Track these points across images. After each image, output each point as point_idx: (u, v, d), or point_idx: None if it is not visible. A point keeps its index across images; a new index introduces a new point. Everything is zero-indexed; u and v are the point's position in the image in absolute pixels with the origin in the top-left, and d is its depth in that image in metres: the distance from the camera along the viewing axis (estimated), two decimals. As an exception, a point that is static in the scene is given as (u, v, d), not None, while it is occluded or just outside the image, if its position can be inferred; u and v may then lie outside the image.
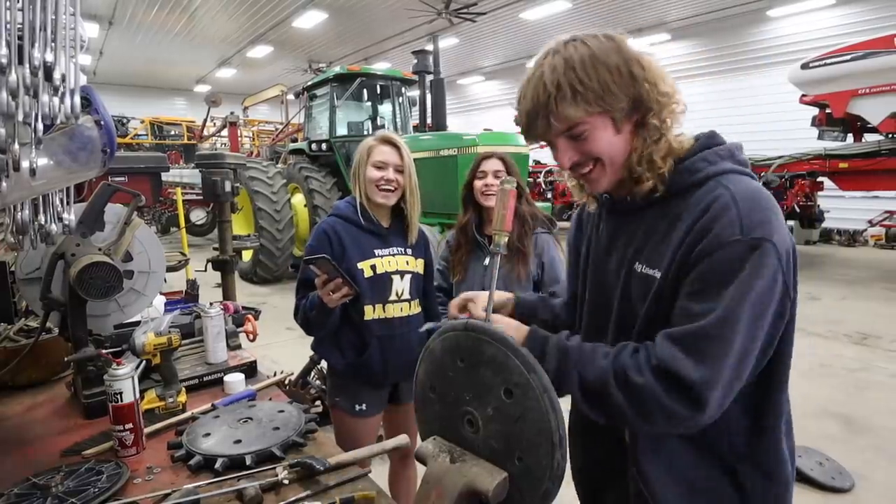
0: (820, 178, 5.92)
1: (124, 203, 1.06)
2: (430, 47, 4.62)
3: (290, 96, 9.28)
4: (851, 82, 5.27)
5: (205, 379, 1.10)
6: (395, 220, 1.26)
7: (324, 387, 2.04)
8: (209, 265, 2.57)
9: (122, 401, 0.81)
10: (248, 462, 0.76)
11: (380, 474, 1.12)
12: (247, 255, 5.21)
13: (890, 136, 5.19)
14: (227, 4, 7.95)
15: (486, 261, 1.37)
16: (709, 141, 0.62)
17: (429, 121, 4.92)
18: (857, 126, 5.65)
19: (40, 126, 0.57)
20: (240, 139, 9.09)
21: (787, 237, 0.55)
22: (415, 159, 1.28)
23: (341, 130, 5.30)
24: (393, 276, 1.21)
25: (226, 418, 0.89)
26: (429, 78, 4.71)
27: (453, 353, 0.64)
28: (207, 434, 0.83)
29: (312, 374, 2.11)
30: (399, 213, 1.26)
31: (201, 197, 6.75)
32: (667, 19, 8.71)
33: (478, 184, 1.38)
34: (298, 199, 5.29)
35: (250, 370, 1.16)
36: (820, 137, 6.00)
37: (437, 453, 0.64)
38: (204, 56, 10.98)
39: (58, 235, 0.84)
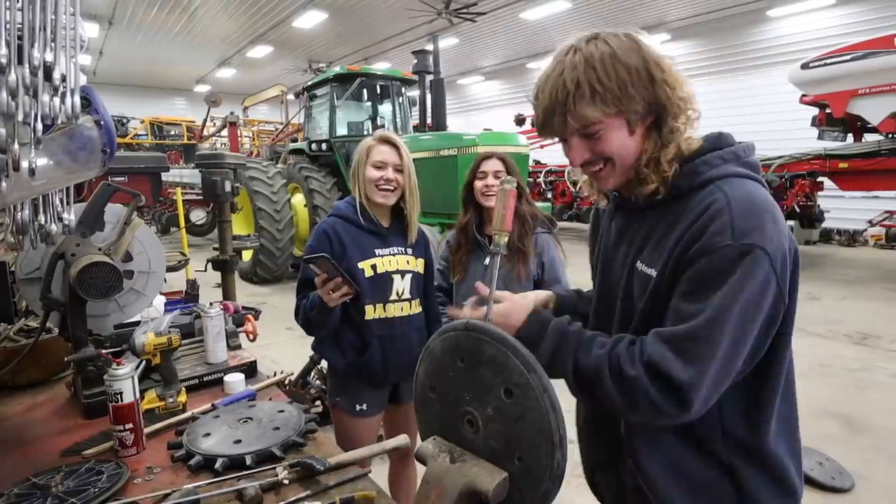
0: (820, 178, 5.92)
1: (124, 203, 1.06)
2: (430, 47, 4.62)
3: (290, 96, 9.29)
4: (851, 82, 5.27)
5: (205, 379, 1.10)
6: (395, 219, 1.26)
7: (324, 387, 2.04)
8: (209, 265, 2.57)
9: (122, 401, 0.81)
10: (248, 462, 0.76)
11: (380, 474, 1.12)
12: (247, 255, 5.21)
13: (890, 136, 5.19)
14: (227, 4, 7.95)
15: (487, 260, 1.37)
16: (716, 143, 0.62)
17: (429, 121, 4.92)
18: (857, 126, 5.65)
19: (40, 126, 0.57)
20: (240, 139, 9.09)
21: (784, 242, 0.55)
22: (415, 159, 1.28)
23: (341, 130, 5.30)
24: (393, 276, 1.21)
25: (226, 418, 0.89)
26: (429, 78, 4.71)
27: (453, 353, 0.64)
28: (207, 434, 0.83)
29: (312, 374, 2.11)
30: (399, 212, 1.26)
31: (201, 197, 6.75)
32: (667, 19, 8.71)
33: (478, 184, 1.38)
34: (298, 199, 5.29)
35: (250, 370, 1.16)
36: (820, 137, 6.00)
37: (437, 453, 0.64)
38: (204, 56, 10.98)
39: (58, 235, 0.84)
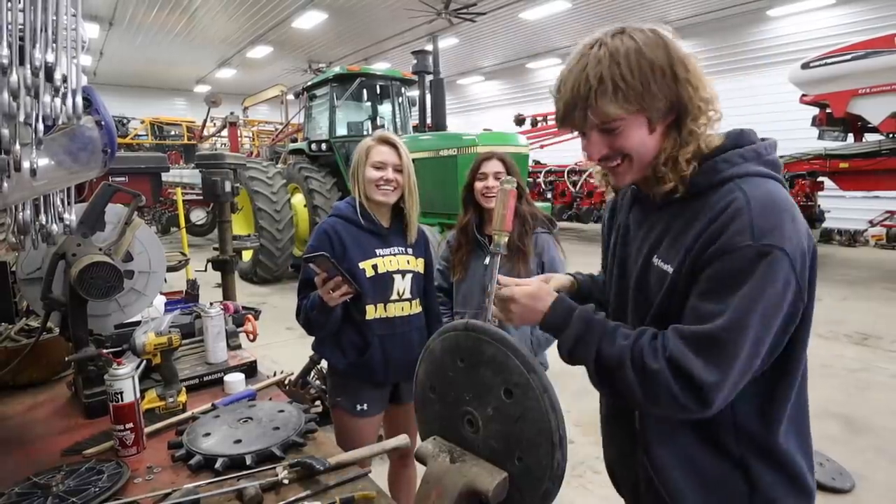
0: (820, 178, 5.92)
1: (125, 203, 1.07)
2: (429, 47, 4.62)
3: (290, 96, 9.29)
4: (852, 82, 5.26)
5: (205, 379, 1.10)
6: (395, 219, 1.27)
7: (323, 387, 2.04)
8: (209, 265, 2.57)
9: (122, 400, 0.81)
10: (248, 462, 0.76)
11: (380, 474, 1.12)
12: (247, 255, 5.21)
13: (890, 135, 5.19)
14: (227, 5, 7.96)
15: (487, 260, 1.37)
16: (737, 140, 0.61)
17: (428, 121, 4.92)
18: (857, 126, 5.65)
19: (41, 126, 0.57)
20: (240, 139, 9.10)
21: (803, 241, 0.55)
22: (414, 159, 1.28)
23: (341, 130, 5.30)
24: (394, 276, 1.22)
25: (226, 418, 0.89)
26: (428, 78, 4.71)
27: (453, 353, 0.64)
28: (207, 434, 0.83)
29: (312, 374, 2.11)
30: (398, 212, 1.26)
31: (201, 197, 6.75)
32: (667, 19, 8.68)
33: (478, 185, 1.38)
34: (298, 200, 5.29)
35: (250, 370, 1.16)
36: (820, 137, 6.00)
37: (437, 453, 0.64)
38: (204, 56, 10.98)
39: (59, 235, 0.84)
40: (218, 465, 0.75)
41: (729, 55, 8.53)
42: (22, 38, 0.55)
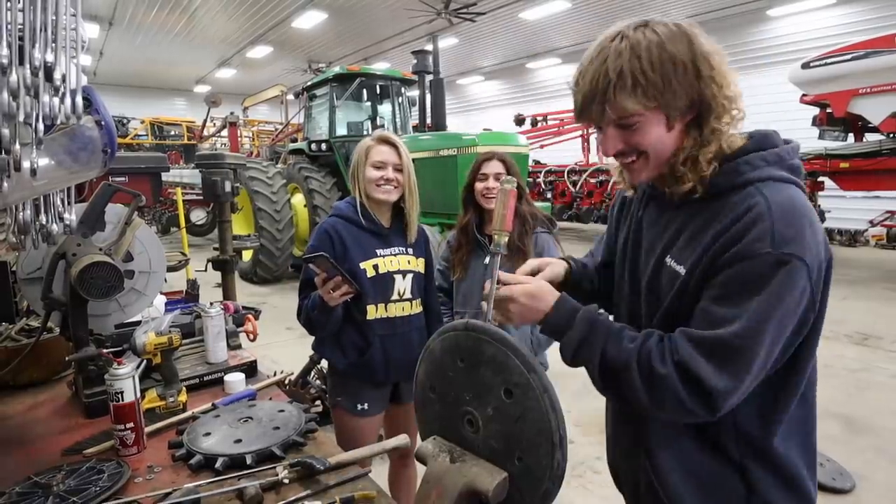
0: (821, 178, 5.91)
1: (125, 203, 1.07)
2: (429, 47, 4.62)
3: (290, 96, 9.29)
4: (852, 82, 5.26)
5: (205, 378, 1.10)
6: (395, 219, 1.27)
7: (323, 387, 2.04)
8: (209, 265, 2.57)
9: (122, 400, 0.81)
10: (248, 461, 0.76)
11: (380, 474, 1.12)
12: (247, 255, 5.21)
13: (891, 135, 5.19)
14: (227, 5, 7.96)
15: (487, 260, 1.37)
16: (761, 142, 0.59)
17: (428, 121, 4.92)
18: (857, 126, 5.65)
19: (41, 126, 0.57)
20: (240, 139, 9.10)
21: (821, 250, 0.54)
22: (414, 159, 1.28)
23: (341, 130, 5.30)
24: (395, 276, 1.22)
25: (226, 418, 0.89)
26: (428, 78, 4.71)
27: (453, 353, 0.64)
28: (208, 433, 0.83)
29: (312, 373, 2.11)
30: (399, 212, 1.26)
31: (201, 197, 6.75)
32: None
33: (478, 186, 1.38)
34: (298, 199, 5.29)
35: (250, 370, 1.16)
36: (821, 137, 5.99)
37: (438, 453, 0.64)
38: (204, 56, 10.98)
39: (59, 235, 0.84)
40: (218, 464, 0.75)
41: (729, 55, 8.19)
42: (21, 38, 0.55)
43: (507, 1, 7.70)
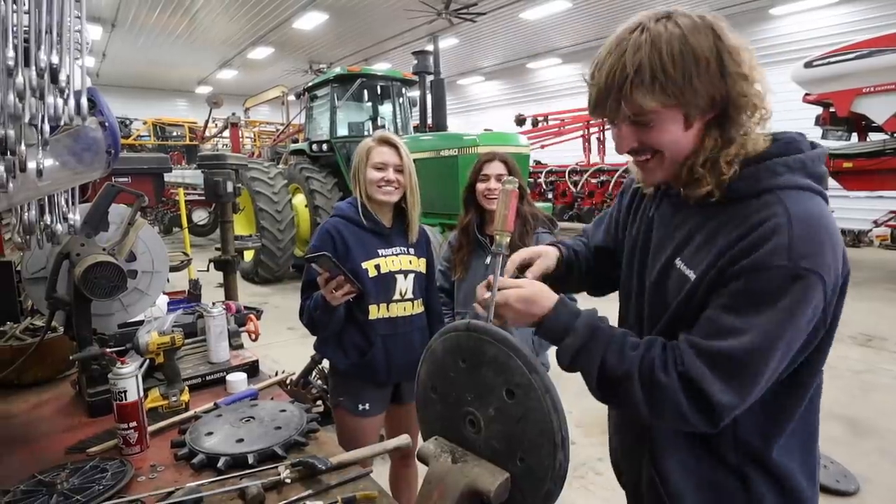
0: (823, 178, 5.87)
1: (128, 203, 1.07)
2: (430, 48, 4.62)
3: (291, 97, 9.31)
4: (856, 81, 5.23)
5: (207, 378, 1.10)
6: (397, 219, 1.27)
7: (325, 387, 2.04)
8: (211, 265, 2.58)
9: (126, 399, 0.81)
10: (250, 461, 0.76)
11: (381, 474, 1.13)
12: (248, 256, 5.23)
13: (895, 135, 5.16)
14: (228, 6, 7.98)
15: (488, 260, 1.37)
16: (785, 147, 0.56)
17: (429, 121, 4.92)
18: (861, 125, 5.62)
19: (46, 127, 0.58)
20: (241, 140, 9.12)
21: (839, 266, 0.52)
22: (415, 160, 1.28)
23: (342, 131, 5.31)
24: (397, 276, 1.22)
25: (228, 417, 0.89)
26: (429, 78, 4.71)
27: (455, 354, 0.64)
28: (210, 433, 0.84)
29: (314, 373, 2.12)
30: (400, 212, 1.26)
31: (203, 197, 6.79)
32: (669, 19, 8.65)
33: (480, 187, 1.39)
34: (299, 200, 5.30)
35: (252, 370, 1.17)
36: (824, 137, 5.97)
37: (439, 453, 0.64)
38: (205, 58, 11.02)
39: (63, 235, 0.85)
40: (220, 464, 0.76)
41: (731, 54, 8.47)
42: (27, 40, 0.55)
43: (507, 1, 7.70)
